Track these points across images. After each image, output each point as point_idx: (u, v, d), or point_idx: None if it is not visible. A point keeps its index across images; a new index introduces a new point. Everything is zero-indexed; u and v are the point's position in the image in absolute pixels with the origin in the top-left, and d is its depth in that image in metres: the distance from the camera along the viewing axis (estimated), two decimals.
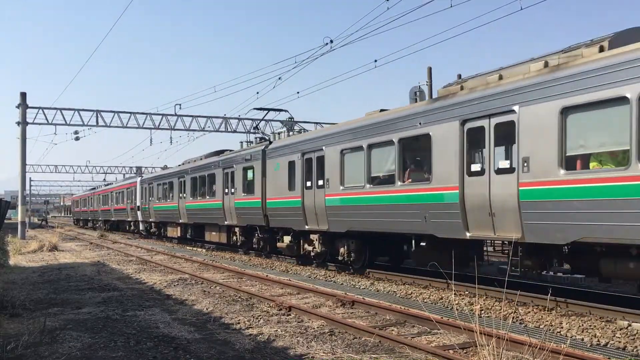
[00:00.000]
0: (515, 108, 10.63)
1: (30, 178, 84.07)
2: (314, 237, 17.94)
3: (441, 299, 11.99)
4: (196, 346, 8.33)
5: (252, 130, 27.48)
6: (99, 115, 39.51)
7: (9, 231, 40.22)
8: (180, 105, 40.12)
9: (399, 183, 13.81)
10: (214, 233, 26.37)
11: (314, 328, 9.54)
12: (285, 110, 27.09)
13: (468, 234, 11.73)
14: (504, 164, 11.27)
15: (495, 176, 11.13)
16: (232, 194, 23.28)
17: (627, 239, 8.90)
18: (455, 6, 16.92)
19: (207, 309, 11.49)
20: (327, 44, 22.79)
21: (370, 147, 14.88)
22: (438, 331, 9.01)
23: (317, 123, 43.87)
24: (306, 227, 17.76)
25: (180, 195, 30.33)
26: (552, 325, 9.28)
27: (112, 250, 28.81)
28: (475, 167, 11.75)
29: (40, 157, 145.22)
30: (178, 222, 31.48)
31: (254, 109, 25.07)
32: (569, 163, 9.81)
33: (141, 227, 41.08)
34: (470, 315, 9.12)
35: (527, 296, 11.13)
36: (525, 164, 10.39)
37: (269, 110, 27.24)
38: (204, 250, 27.95)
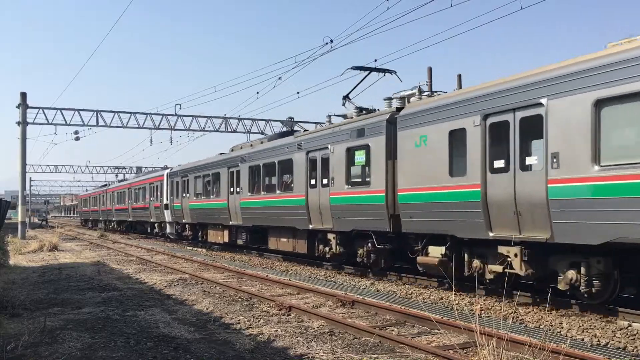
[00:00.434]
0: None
1: (30, 178, 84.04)
2: (508, 250, 11.03)
3: (441, 299, 11.98)
4: (196, 346, 8.33)
5: (345, 97, 16.55)
6: (99, 115, 39.53)
7: (9, 231, 40.22)
8: (180, 105, 40.17)
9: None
10: (285, 240, 19.70)
11: (314, 328, 9.54)
12: (392, 72, 18.47)
13: (491, 234, 11.16)
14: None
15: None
16: (326, 186, 16.75)
17: None
18: (455, 6, 16.90)
19: (207, 309, 11.49)
20: (327, 43, 22.77)
21: None
22: (438, 331, 9.01)
23: (317, 123, 43.88)
24: (490, 234, 11.28)
25: (232, 189, 23.73)
26: (552, 325, 9.28)
27: (112, 250, 28.81)
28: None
29: (41, 157, 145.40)
30: (226, 224, 24.58)
31: (351, 68, 17.85)
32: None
33: (169, 229, 34.00)
34: (471, 315, 9.12)
35: (527, 296, 11.15)
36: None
37: (371, 70, 18.15)
38: (204, 250, 27.93)
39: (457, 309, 10.07)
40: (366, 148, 14.98)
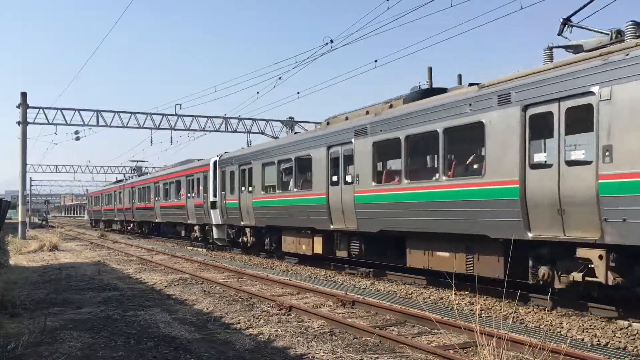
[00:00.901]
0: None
1: (30, 178, 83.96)
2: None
3: (441, 298, 11.99)
4: (196, 346, 8.34)
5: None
6: (99, 115, 39.57)
7: (9, 231, 40.25)
8: (180, 105, 40.22)
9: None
10: (444, 254, 12.82)
11: (314, 328, 9.54)
12: None
13: (530, 235, 10.32)
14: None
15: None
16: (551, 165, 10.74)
17: None
18: (455, 6, 16.89)
19: (207, 308, 11.49)
20: (327, 43, 22.80)
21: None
22: (438, 331, 9.01)
23: (317, 123, 43.88)
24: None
25: (337, 178, 16.35)
26: (552, 325, 9.28)
27: (112, 250, 28.81)
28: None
29: (41, 157, 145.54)
30: (322, 228, 17.24)
31: None
32: None
33: (217, 234, 26.07)
34: (471, 315, 9.11)
35: (527, 296, 11.14)
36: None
37: None
38: (204, 250, 27.93)
39: (457, 309, 10.08)
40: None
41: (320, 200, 16.93)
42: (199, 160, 30.73)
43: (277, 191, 19.87)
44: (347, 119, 17.12)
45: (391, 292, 13.21)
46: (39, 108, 38.32)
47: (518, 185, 10.47)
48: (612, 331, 8.78)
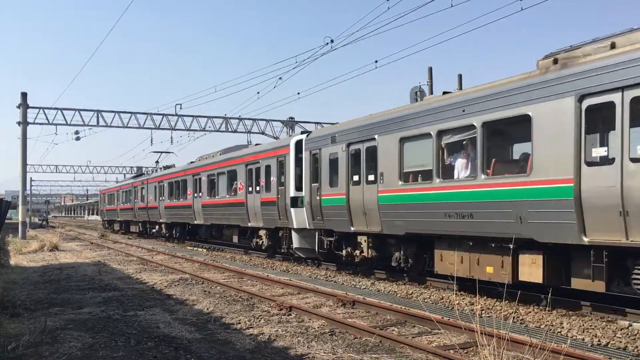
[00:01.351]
0: None
1: (31, 178, 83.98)
2: None
3: (442, 299, 11.98)
4: (197, 346, 8.34)
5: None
6: (99, 115, 39.60)
7: (9, 231, 40.28)
8: (180, 105, 40.25)
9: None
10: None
11: (314, 328, 9.54)
12: None
13: (586, 239, 9.42)
14: None
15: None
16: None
17: None
18: (455, 6, 16.89)
19: (207, 309, 11.49)
20: (327, 43, 22.82)
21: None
22: (439, 331, 9.01)
23: (317, 123, 43.92)
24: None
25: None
26: (552, 325, 9.28)
27: (112, 250, 28.81)
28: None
29: (41, 157, 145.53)
30: (563, 241, 10.43)
31: None
32: None
33: (298, 242, 18.94)
34: (471, 315, 9.12)
35: (527, 296, 11.13)
36: None
37: None
38: (204, 250, 27.92)
39: (457, 309, 10.08)
40: None
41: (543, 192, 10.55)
42: (257, 145, 24.76)
43: (436, 180, 12.75)
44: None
45: (391, 292, 13.21)
46: (39, 108, 38.37)
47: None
48: (613, 331, 8.78)
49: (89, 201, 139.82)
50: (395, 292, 13.17)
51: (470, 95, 11.85)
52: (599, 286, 9.47)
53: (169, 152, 48.01)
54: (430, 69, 26.61)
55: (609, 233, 9.09)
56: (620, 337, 8.39)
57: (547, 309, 10.29)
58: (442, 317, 9.50)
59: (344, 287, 14.17)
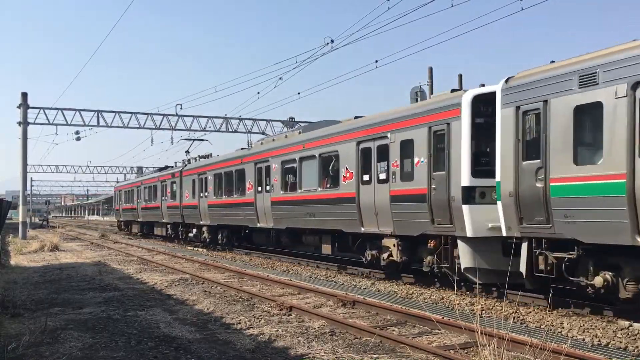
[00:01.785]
0: None
1: (31, 178, 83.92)
2: None
3: (442, 299, 11.98)
4: (197, 346, 8.34)
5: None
6: (100, 115, 39.59)
7: (10, 231, 40.29)
8: (181, 105, 40.17)
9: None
10: None
11: (314, 328, 9.54)
12: None
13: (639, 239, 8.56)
14: None
15: None
16: None
17: None
18: (456, 6, 16.87)
19: (208, 309, 11.49)
20: (327, 43, 22.80)
21: None
22: (439, 331, 9.01)
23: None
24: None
25: None
26: (553, 326, 9.28)
27: (113, 251, 28.80)
28: None
29: (42, 157, 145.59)
30: None
31: None
32: None
33: (470, 259, 11.89)
34: (472, 316, 9.11)
35: (528, 296, 11.12)
36: None
37: None
38: (204, 250, 27.91)
39: (458, 309, 10.08)
40: None
41: None
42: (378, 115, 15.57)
43: None
44: None
45: (392, 292, 13.21)
46: (40, 108, 38.36)
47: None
48: (613, 331, 8.77)
49: (89, 201, 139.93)
50: (395, 292, 13.16)
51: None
52: None
53: (203, 140, 38.72)
54: (431, 69, 26.58)
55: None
56: (620, 337, 8.39)
57: (547, 309, 10.29)
58: (443, 317, 9.51)
59: (344, 287, 14.16)
